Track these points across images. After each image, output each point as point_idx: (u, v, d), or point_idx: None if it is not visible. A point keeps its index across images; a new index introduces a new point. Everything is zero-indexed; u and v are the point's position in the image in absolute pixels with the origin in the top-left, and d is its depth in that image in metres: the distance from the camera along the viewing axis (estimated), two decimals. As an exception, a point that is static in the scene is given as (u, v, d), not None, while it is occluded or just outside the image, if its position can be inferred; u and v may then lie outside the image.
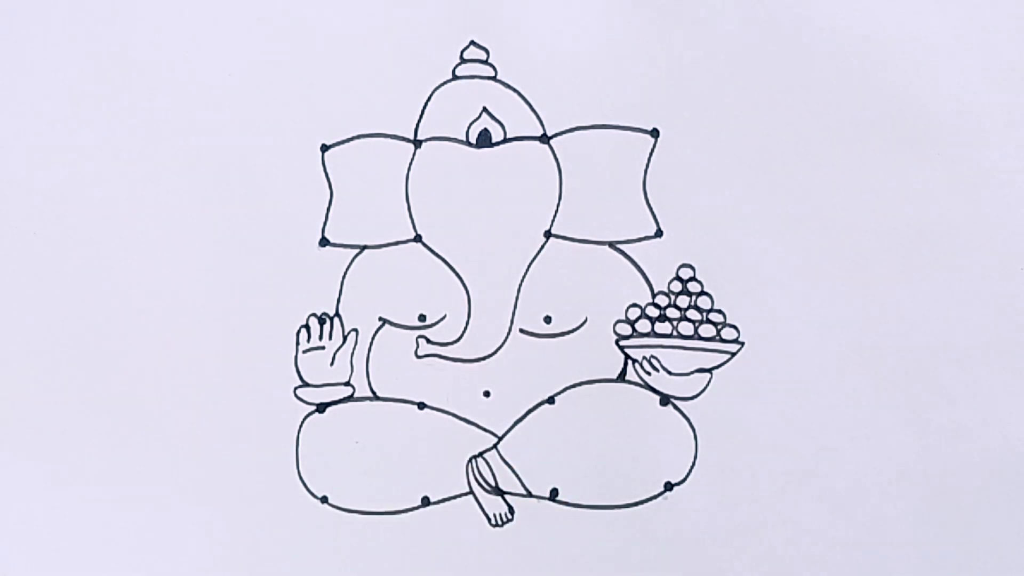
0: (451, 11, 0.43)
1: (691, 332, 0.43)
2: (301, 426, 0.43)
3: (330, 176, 0.43)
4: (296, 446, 0.43)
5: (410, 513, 0.43)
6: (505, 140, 0.43)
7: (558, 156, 0.43)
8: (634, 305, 0.43)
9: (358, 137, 0.43)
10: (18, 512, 0.43)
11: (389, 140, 0.43)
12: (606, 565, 0.42)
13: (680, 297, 0.43)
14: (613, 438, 0.43)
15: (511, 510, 0.43)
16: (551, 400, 0.43)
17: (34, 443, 0.43)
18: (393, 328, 0.43)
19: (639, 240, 0.43)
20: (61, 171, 0.44)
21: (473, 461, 0.43)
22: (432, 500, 0.43)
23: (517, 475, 0.43)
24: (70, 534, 0.43)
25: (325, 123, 0.43)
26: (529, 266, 0.43)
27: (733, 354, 0.43)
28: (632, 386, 0.43)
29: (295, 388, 0.43)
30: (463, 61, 0.43)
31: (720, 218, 0.43)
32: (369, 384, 0.43)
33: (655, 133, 0.43)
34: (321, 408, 0.43)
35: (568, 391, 0.43)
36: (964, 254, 0.42)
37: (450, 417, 0.43)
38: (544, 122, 0.43)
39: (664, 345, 0.43)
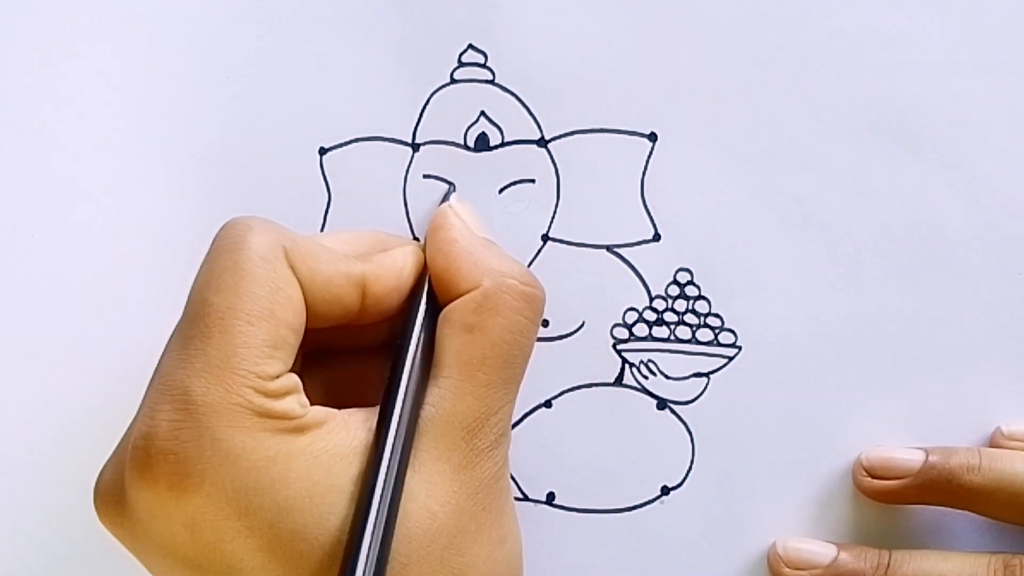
0: (449, 15, 0.43)
1: (688, 336, 0.43)
2: (297, 429, 0.43)
3: (328, 179, 0.43)
4: (292, 449, 0.43)
5: (406, 516, 0.43)
6: (503, 144, 0.43)
7: (556, 160, 0.43)
8: (631, 309, 0.43)
9: (356, 140, 0.43)
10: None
11: (387, 144, 0.43)
12: (602, 569, 0.42)
13: (678, 301, 0.43)
14: (610, 442, 0.42)
15: (507, 514, 0.43)
16: (548, 404, 0.43)
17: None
18: (390, 331, 0.43)
19: (637, 244, 0.43)
20: (53, 172, 0.44)
21: (470, 464, 0.43)
22: (428, 503, 0.43)
23: (514, 479, 0.42)
24: (59, 528, 0.43)
25: (323, 126, 0.43)
26: (526, 269, 0.43)
27: (731, 358, 0.42)
28: (629, 390, 0.43)
29: (292, 391, 0.43)
30: (461, 65, 0.43)
31: (718, 222, 0.43)
32: (366, 387, 0.43)
33: (653, 137, 0.43)
34: (318, 411, 0.43)
35: (565, 395, 0.43)
36: (963, 258, 0.42)
37: (447, 420, 0.43)
38: (542, 126, 0.43)
39: (661, 349, 0.43)
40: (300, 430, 0.35)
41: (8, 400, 0.43)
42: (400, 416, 0.35)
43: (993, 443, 0.42)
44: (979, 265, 0.42)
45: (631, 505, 0.42)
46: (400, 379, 0.36)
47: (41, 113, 0.44)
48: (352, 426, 0.36)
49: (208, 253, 0.36)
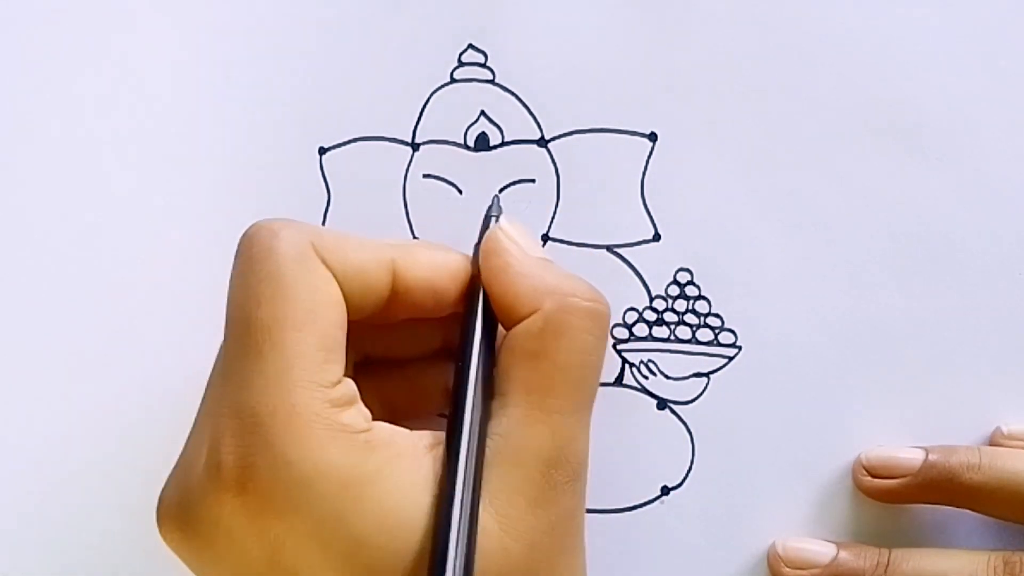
0: (449, 14, 0.43)
1: (688, 336, 0.43)
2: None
3: (328, 179, 0.43)
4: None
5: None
6: (503, 144, 0.43)
7: (556, 160, 0.43)
8: (631, 309, 0.43)
9: (356, 140, 0.43)
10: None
11: (387, 143, 0.43)
12: (602, 569, 0.42)
13: (678, 301, 0.43)
14: (610, 442, 0.42)
15: (507, 514, 0.42)
16: (548, 404, 0.43)
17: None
18: (390, 331, 0.43)
19: (637, 244, 0.43)
20: (53, 172, 0.44)
21: (471, 464, 0.43)
22: (429, 503, 0.43)
23: (514, 479, 0.42)
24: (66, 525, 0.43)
25: (323, 126, 0.43)
26: (527, 269, 0.43)
27: (731, 358, 0.42)
28: (629, 390, 0.43)
29: (292, 391, 0.43)
30: (461, 64, 0.43)
31: (718, 222, 0.43)
32: (366, 387, 0.43)
33: (653, 137, 0.43)
34: (318, 411, 0.43)
35: (565, 395, 0.43)
36: (964, 259, 0.42)
37: (447, 420, 0.43)
38: (542, 125, 0.43)
39: (661, 349, 0.43)
40: (369, 447, 0.34)
41: (7, 403, 0.44)
42: (467, 452, 0.34)
43: (993, 443, 0.42)
44: (979, 265, 0.42)
45: (631, 505, 0.42)
46: (464, 411, 0.35)
47: (40, 113, 0.44)
48: (419, 452, 0.35)
49: (237, 264, 0.36)
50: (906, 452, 0.41)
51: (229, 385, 0.34)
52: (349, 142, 0.43)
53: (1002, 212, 0.42)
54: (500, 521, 0.34)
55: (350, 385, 0.35)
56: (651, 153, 0.43)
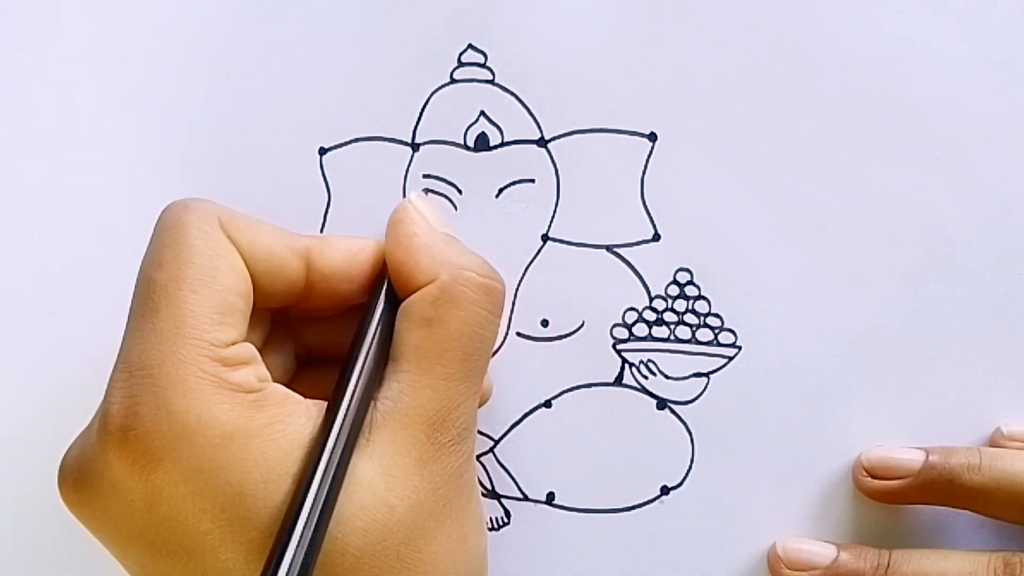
0: (449, 15, 0.43)
1: (688, 336, 0.43)
2: (297, 429, 0.43)
3: (328, 179, 0.43)
4: (292, 449, 0.43)
5: (406, 516, 0.43)
6: (503, 144, 0.43)
7: (556, 160, 0.43)
8: (631, 309, 0.43)
9: (356, 140, 0.43)
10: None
11: (387, 143, 0.43)
12: (602, 569, 0.42)
13: (677, 301, 0.43)
14: (610, 442, 0.43)
15: (507, 514, 0.43)
16: (548, 404, 0.43)
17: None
18: (390, 331, 0.43)
19: (636, 244, 0.43)
20: (51, 172, 0.44)
21: (469, 464, 0.43)
22: (428, 503, 0.43)
23: (513, 479, 0.43)
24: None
25: (323, 126, 0.43)
26: (526, 269, 0.43)
27: (730, 358, 0.42)
28: (629, 390, 0.43)
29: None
30: (461, 65, 0.43)
31: (718, 222, 0.43)
32: (366, 387, 0.43)
33: (653, 137, 0.43)
34: (317, 411, 0.43)
35: (565, 395, 0.43)
36: (963, 260, 0.42)
37: (447, 420, 0.43)
38: (542, 126, 0.43)
39: (661, 349, 0.43)
40: (258, 405, 0.35)
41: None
42: (348, 408, 0.35)
43: (993, 443, 0.42)
44: (979, 265, 0.42)
45: (631, 505, 0.42)
46: (352, 371, 0.36)
47: (39, 114, 0.44)
48: (312, 415, 0.36)
49: (150, 237, 0.37)
50: (906, 453, 0.41)
51: (127, 342, 0.36)
52: (349, 142, 0.43)
53: (1002, 212, 0.42)
54: (386, 479, 0.35)
55: (247, 348, 0.36)
56: (651, 153, 0.43)
